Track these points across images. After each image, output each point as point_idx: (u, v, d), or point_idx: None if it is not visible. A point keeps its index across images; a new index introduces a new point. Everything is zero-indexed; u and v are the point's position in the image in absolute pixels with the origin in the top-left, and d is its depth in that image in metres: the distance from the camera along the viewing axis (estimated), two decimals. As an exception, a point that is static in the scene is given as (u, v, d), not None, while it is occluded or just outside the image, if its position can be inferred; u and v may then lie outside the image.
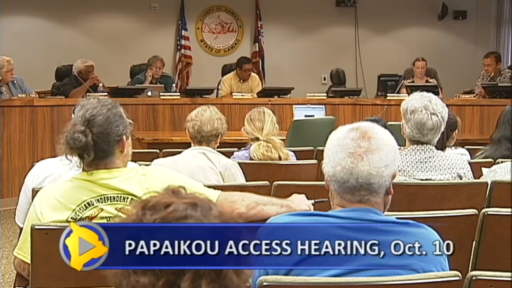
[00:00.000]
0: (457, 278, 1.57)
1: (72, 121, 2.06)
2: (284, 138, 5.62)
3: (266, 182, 2.90)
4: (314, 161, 3.72)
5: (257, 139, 3.54)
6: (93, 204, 2.03)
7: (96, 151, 2.01)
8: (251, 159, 3.58)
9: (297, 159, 3.83)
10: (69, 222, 2.00)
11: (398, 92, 7.20)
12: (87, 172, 2.05)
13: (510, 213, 2.39)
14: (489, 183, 2.94)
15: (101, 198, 2.03)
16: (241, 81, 7.67)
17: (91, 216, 2.02)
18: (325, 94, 7.21)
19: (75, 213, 2.02)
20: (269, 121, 3.58)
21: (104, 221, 2.02)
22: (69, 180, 2.08)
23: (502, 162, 3.29)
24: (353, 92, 7.39)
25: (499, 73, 7.44)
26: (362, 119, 4.37)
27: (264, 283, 1.51)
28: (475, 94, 7.30)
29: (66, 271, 2.02)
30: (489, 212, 2.36)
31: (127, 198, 2.04)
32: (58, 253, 1.99)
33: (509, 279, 1.60)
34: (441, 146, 3.58)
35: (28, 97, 6.34)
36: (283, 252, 1.52)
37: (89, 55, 7.88)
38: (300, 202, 2.05)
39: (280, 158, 3.53)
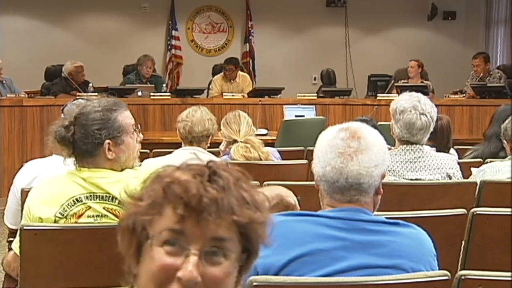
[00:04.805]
0: (446, 277, 1.57)
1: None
2: (275, 138, 5.64)
3: (256, 182, 2.90)
4: (305, 161, 3.72)
5: (235, 141, 3.55)
6: (81, 201, 2.02)
7: (75, 148, 2.03)
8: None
9: (284, 158, 3.84)
10: (56, 217, 2.00)
11: (389, 93, 7.22)
12: (78, 168, 2.06)
13: (498, 213, 2.41)
14: (478, 183, 2.95)
15: (90, 196, 2.02)
16: (230, 81, 7.68)
17: (78, 214, 2.01)
18: (316, 94, 7.22)
19: (63, 209, 2.01)
20: (244, 123, 3.59)
21: (91, 220, 2.02)
22: (64, 174, 2.08)
23: (491, 161, 3.31)
24: (344, 92, 7.41)
25: (488, 74, 7.47)
26: (352, 119, 4.37)
27: (254, 283, 1.50)
28: (464, 93, 7.33)
29: (55, 271, 2.02)
30: (478, 212, 2.37)
31: (115, 199, 2.03)
32: (47, 253, 1.99)
33: (498, 278, 1.60)
34: (445, 147, 3.62)
35: (17, 97, 6.30)
36: (274, 252, 1.52)
37: (79, 55, 7.85)
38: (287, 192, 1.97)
39: (260, 157, 3.53)
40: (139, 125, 2.15)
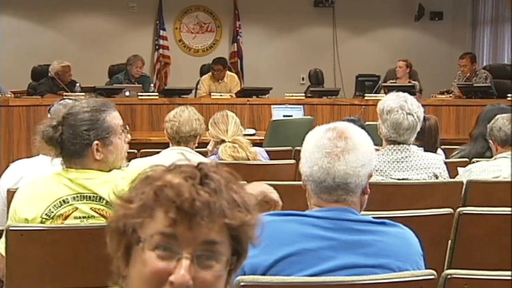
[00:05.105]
0: (433, 276, 1.58)
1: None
2: (263, 138, 5.64)
3: (244, 182, 2.90)
4: (292, 161, 3.73)
5: (223, 141, 3.56)
6: (68, 202, 2.01)
7: (64, 148, 2.02)
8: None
9: (272, 158, 3.84)
10: (43, 218, 1.99)
11: (376, 93, 7.25)
12: (65, 169, 2.04)
13: (484, 212, 2.43)
14: (465, 183, 2.97)
15: (77, 196, 2.01)
16: (218, 81, 7.68)
17: (64, 215, 2.00)
18: (304, 94, 7.23)
19: (49, 210, 2.00)
20: (232, 123, 3.59)
21: (78, 221, 2.01)
22: (50, 174, 2.07)
23: (477, 161, 3.34)
24: (331, 92, 7.43)
25: (474, 74, 7.52)
26: (340, 119, 4.38)
27: (242, 283, 1.51)
28: (451, 93, 7.37)
29: (42, 272, 2.01)
30: (464, 211, 2.38)
31: (103, 200, 2.02)
32: (33, 254, 1.98)
33: (483, 277, 1.62)
34: (433, 147, 3.64)
35: (4, 97, 6.26)
36: (261, 252, 1.52)
37: (67, 55, 7.81)
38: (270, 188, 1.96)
39: (248, 157, 3.54)
40: (127, 126, 2.15)
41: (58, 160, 2.06)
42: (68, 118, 2.03)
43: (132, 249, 1.04)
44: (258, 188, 1.76)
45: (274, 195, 1.77)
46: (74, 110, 2.03)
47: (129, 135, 2.15)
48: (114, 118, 2.08)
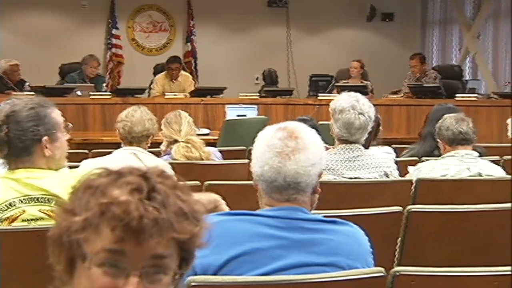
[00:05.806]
0: (381, 274, 1.61)
1: None
2: (217, 137, 5.63)
3: (197, 182, 2.89)
4: (246, 161, 3.73)
5: (176, 141, 3.55)
6: (15, 205, 1.96)
7: (11, 147, 1.97)
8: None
9: (226, 158, 3.84)
10: None
11: (330, 92, 7.32)
12: (10, 170, 2.00)
13: (433, 210, 2.48)
14: (414, 181, 3.03)
15: (24, 199, 1.97)
16: (172, 80, 7.63)
17: (12, 218, 1.96)
18: (258, 94, 7.26)
19: None
20: (185, 122, 3.60)
21: (26, 223, 1.97)
22: None
23: (426, 160, 3.41)
24: (285, 92, 7.47)
25: (424, 74, 7.67)
26: (294, 118, 4.41)
27: (193, 283, 1.50)
28: (401, 95, 7.50)
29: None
30: (413, 209, 2.43)
31: (52, 199, 1.98)
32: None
33: (430, 274, 1.65)
34: (367, 144, 3.67)
35: (-51, 97, 6.08)
36: (212, 252, 1.52)
37: (15, 53, 7.63)
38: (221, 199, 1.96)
39: (201, 157, 3.54)
40: (68, 124, 2.13)
41: (3, 161, 2.01)
42: (13, 116, 1.99)
43: (76, 262, 1.01)
44: (212, 195, 1.76)
45: (226, 207, 1.78)
46: (17, 108, 2.00)
47: (68, 134, 2.14)
48: (58, 114, 2.07)
